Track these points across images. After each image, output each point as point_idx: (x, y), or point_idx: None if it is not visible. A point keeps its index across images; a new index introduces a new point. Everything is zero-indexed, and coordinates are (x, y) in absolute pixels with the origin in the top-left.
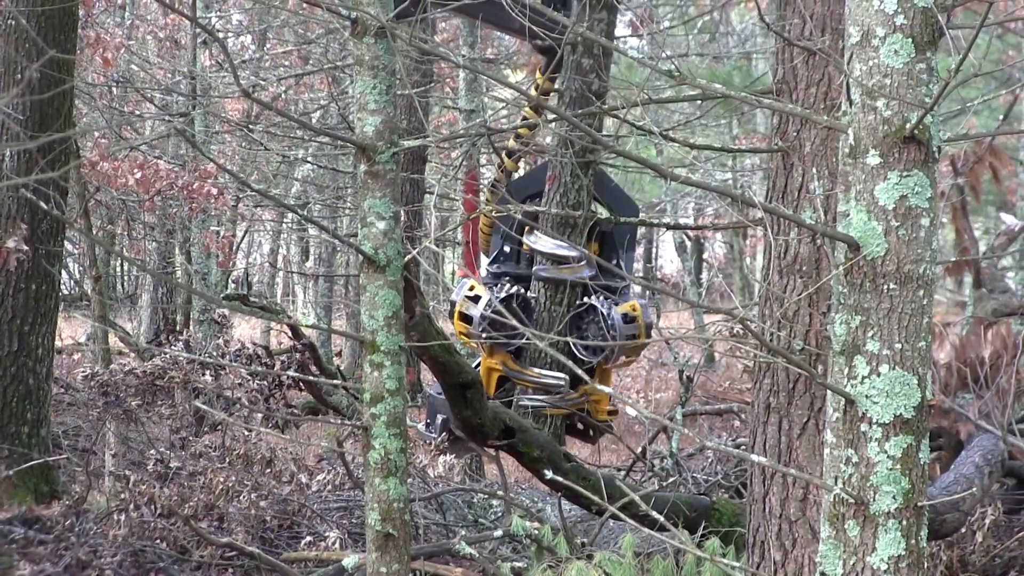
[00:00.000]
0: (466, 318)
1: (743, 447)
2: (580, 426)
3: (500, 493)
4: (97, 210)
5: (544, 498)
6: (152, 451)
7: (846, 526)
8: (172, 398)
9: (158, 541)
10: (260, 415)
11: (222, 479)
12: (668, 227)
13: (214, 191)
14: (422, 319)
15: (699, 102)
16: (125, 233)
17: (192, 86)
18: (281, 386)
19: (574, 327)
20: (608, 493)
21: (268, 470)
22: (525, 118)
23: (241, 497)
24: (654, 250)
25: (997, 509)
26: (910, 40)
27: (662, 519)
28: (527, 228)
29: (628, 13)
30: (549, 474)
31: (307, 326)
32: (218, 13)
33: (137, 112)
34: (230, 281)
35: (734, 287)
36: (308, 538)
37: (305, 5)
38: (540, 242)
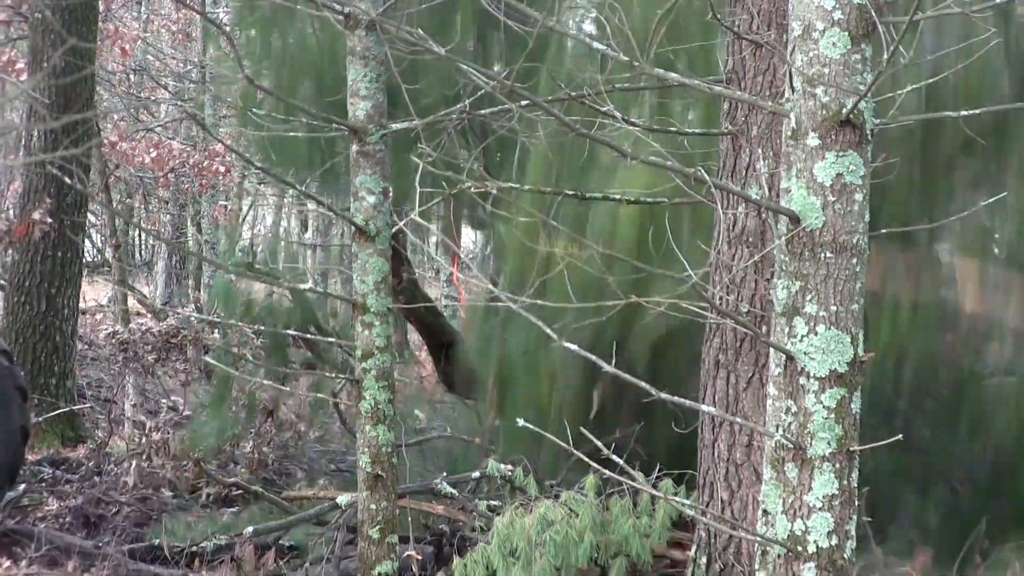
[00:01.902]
0: None
1: (694, 399)
2: None
3: (478, 440)
4: (117, 185)
5: None
6: (165, 400)
7: (786, 468)
8: (184, 354)
9: (170, 481)
10: (263, 369)
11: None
12: (629, 202)
13: (222, 169)
14: (409, 284)
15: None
16: (142, 206)
17: (202, 74)
18: (283, 344)
19: None
20: (574, 440)
21: (269, 419)
22: None
23: (245, 442)
24: None
25: None
26: (846, 33)
27: (622, 462)
28: None
29: (592, 11)
30: (521, 422)
31: (305, 290)
32: (225, 8)
33: (152, 97)
34: (236, 250)
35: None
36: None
37: (303, 1)
38: None
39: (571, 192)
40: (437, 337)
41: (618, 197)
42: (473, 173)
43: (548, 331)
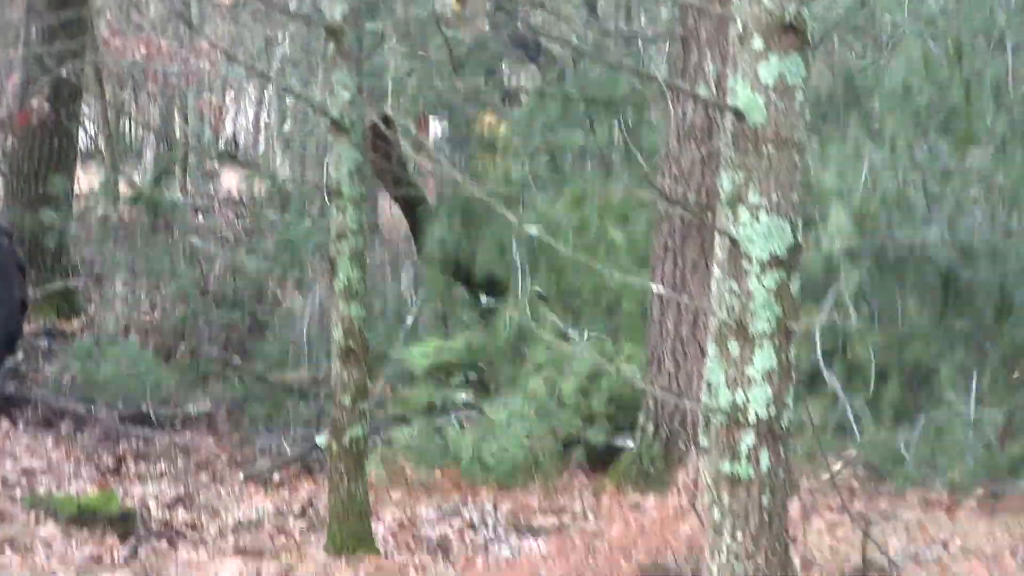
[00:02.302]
0: None
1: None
2: None
3: None
4: (109, 79)
5: None
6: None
7: (729, 344)
8: (171, 235)
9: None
10: (243, 249)
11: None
12: (586, 101)
13: (207, 65)
14: (398, 165)
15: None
16: (132, 99)
17: None
18: (261, 225)
19: None
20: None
21: (248, 290)
22: None
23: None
24: None
25: None
26: None
27: (575, 335)
28: None
29: None
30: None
31: (283, 179)
32: None
33: None
34: (220, 140)
35: (643, 151)
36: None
37: None
38: None
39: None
40: (412, 206)
41: (575, 93)
42: (442, 69)
43: (509, 216)
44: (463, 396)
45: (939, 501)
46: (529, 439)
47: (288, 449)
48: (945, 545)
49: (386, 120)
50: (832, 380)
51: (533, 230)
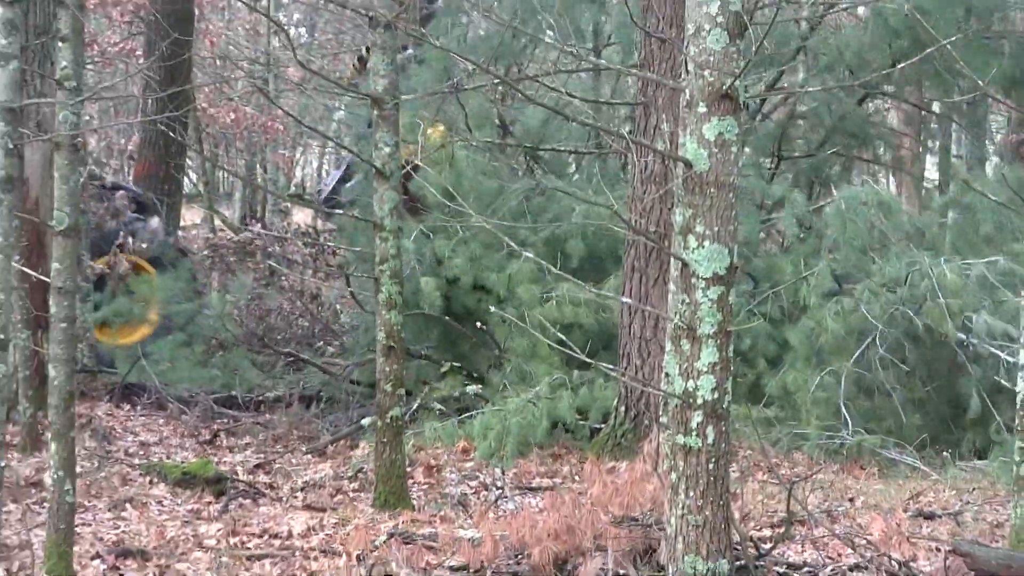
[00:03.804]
0: None
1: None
2: None
3: None
4: (207, 139)
5: None
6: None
7: (682, 343)
8: (255, 257)
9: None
10: (311, 269)
11: (287, 305)
12: (569, 152)
13: (281, 127)
14: (422, 204)
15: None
16: (224, 153)
17: (267, 59)
18: (323, 252)
19: None
20: None
21: (313, 302)
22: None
23: (297, 321)
24: None
25: None
26: (726, 32)
27: (559, 335)
28: None
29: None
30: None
31: (340, 214)
32: (283, 13)
33: (232, 75)
34: (292, 185)
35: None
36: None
37: (340, 8)
38: None
39: (529, 145)
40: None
41: (562, 149)
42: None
43: (512, 244)
44: (476, 388)
45: (847, 468)
46: (532, 423)
47: (342, 428)
48: (852, 501)
49: (415, 168)
50: None
51: (528, 254)
